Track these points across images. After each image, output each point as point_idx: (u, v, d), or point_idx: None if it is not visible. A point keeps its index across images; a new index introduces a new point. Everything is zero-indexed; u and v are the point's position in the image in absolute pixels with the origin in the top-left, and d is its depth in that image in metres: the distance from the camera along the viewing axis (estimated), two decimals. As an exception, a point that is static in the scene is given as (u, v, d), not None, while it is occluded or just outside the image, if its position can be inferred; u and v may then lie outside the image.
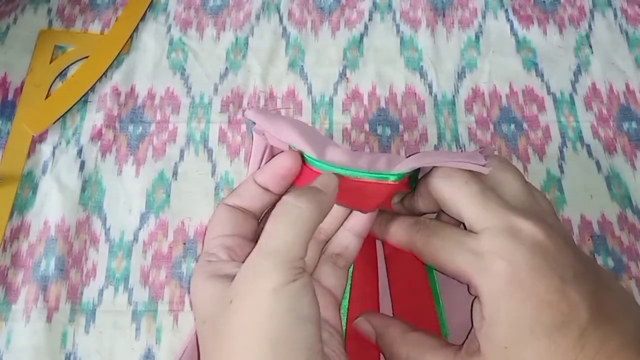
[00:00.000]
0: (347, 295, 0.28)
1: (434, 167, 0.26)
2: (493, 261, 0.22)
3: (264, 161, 0.31)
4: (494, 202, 0.23)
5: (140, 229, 0.33)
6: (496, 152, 0.36)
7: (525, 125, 0.37)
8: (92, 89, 0.37)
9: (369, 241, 0.29)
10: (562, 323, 0.21)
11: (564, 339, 0.21)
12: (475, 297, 0.23)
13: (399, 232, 0.27)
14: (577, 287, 0.22)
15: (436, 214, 0.28)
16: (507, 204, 0.24)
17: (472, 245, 0.23)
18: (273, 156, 0.32)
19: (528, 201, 0.24)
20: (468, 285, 0.24)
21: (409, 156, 0.26)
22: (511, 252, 0.22)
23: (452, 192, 0.24)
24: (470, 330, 0.24)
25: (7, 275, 0.32)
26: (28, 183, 0.34)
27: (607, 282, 0.23)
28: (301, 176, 0.26)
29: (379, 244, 0.30)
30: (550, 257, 0.22)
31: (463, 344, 0.24)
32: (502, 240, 0.22)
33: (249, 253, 0.22)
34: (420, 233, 0.26)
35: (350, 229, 0.28)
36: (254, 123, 0.29)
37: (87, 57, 0.38)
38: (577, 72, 0.39)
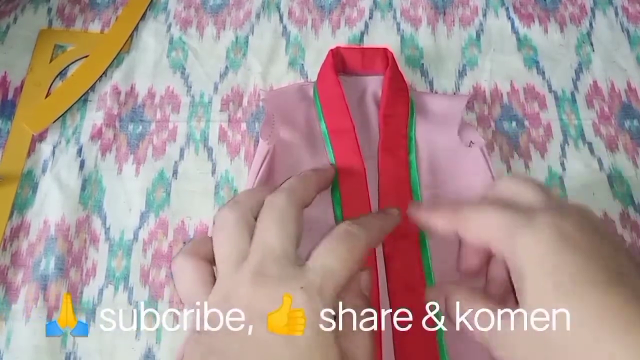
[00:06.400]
0: None
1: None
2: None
3: (264, 165, 0.31)
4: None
5: (140, 228, 0.33)
6: (497, 150, 0.35)
7: (526, 123, 0.36)
8: (92, 88, 0.37)
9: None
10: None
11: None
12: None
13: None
14: None
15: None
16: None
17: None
18: (273, 160, 0.32)
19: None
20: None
21: None
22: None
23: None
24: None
25: (7, 274, 0.32)
26: (28, 182, 0.34)
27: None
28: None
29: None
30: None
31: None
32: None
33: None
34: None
35: None
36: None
37: (87, 56, 0.38)
38: (579, 70, 0.39)
